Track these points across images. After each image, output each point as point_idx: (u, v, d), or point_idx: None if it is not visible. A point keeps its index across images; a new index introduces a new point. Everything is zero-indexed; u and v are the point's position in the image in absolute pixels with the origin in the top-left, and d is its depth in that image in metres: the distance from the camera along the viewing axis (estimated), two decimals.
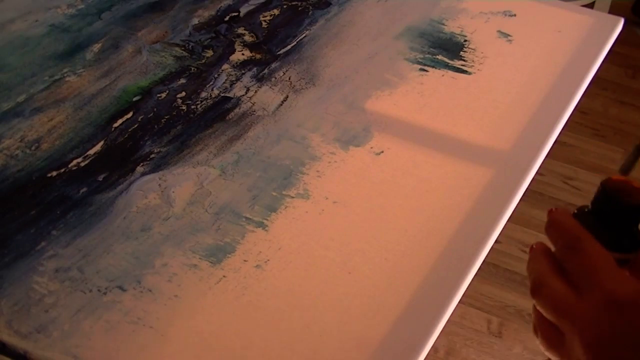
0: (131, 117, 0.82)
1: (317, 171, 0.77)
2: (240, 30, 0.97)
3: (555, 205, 1.89)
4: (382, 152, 0.80)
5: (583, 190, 1.94)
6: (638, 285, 0.41)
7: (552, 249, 0.47)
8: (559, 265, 0.45)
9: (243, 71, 0.90)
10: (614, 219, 0.46)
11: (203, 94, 0.86)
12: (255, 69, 0.90)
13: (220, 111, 0.84)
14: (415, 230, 0.71)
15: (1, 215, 0.70)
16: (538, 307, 0.45)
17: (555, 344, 0.45)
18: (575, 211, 0.48)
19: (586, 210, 0.48)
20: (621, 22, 1.02)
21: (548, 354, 0.46)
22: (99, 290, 0.64)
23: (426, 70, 0.92)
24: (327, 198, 0.74)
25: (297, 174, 0.76)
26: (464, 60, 0.93)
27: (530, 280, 0.46)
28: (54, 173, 0.75)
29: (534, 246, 0.48)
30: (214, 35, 0.95)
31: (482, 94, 0.89)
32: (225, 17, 0.99)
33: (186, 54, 0.91)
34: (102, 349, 0.60)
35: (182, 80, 0.88)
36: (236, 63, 0.91)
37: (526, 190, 0.77)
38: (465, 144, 0.82)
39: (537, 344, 0.46)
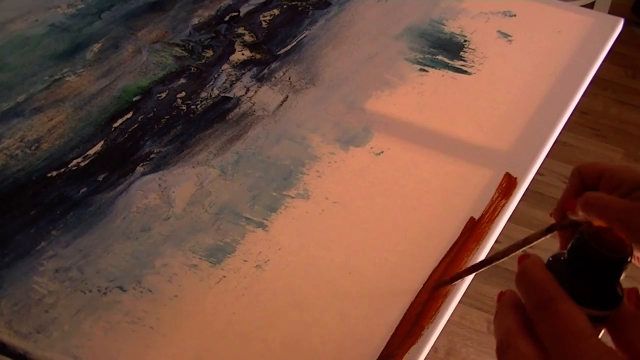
0: (131, 117, 0.82)
1: (317, 171, 0.77)
2: (240, 30, 0.97)
3: (555, 205, 1.89)
4: (382, 152, 0.80)
5: None
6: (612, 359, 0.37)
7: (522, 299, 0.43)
8: (529, 323, 0.42)
9: (243, 71, 0.90)
10: (593, 272, 0.41)
11: (203, 94, 0.86)
12: (255, 69, 0.90)
13: (220, 111, 0.84)
14: (415, 230, 0.71)
15: (1, 215, 0.70)
16: None
17: None
18: (550, 259, 0.43)
19: (562, 259, 0.43)
20: (621, 22, 1.02)
21: None
22: (99, 291, 0.64)
23: (426, 71, 0.92)
24: (327, 198, 0.74)
25: (297, 174, 0.76)
26: (464, 61, 0.93)
27: (497, 338, 0.42)
28: (54, 173, 0.75)
29: (503, 295, 0.44)
30: (214, 35, 0.95)
31: (482, 94, 0.89)
32: (225, 17, 0.99)
33: (186, 54, 0.91)
34: (102, 349, 0.60)
35: (182, 80, 0.88)
36: (236, 63, 0.91)
37: (526, 190, 0.77)
38: (465, 144, 0.82)
39: None
